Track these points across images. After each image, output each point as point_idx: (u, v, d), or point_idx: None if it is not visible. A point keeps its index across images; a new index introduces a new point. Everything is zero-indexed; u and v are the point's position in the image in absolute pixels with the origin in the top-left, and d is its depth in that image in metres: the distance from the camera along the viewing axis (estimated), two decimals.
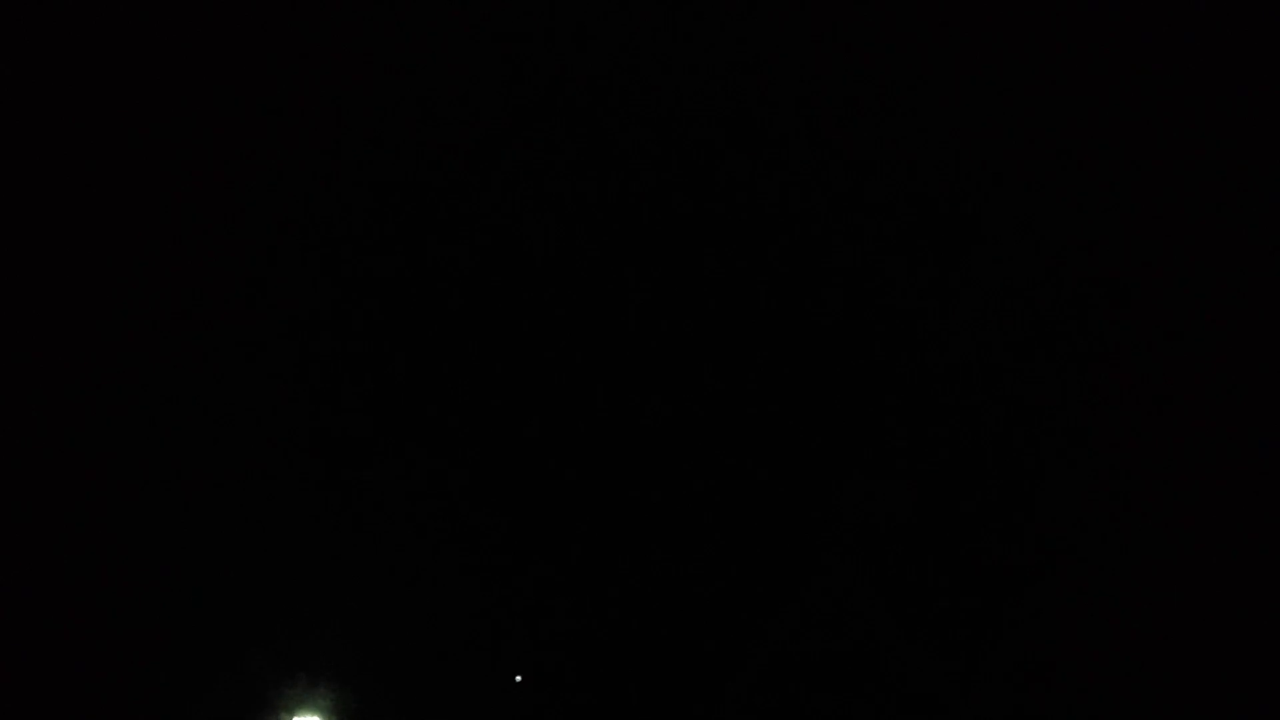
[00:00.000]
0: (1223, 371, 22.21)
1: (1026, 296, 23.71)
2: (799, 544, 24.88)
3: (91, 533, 23.38)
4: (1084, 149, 23.18)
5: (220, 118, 23.84)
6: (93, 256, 23.76)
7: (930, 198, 24.15)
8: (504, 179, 24.41)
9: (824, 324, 24.40)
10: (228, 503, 23.76)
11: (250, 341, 24.29)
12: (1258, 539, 21.35)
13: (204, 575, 23.49)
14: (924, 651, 22.12)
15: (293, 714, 22.17)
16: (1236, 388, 22.05)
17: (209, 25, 23.62)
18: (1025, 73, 23.25)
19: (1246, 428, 21.93)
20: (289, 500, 23.99)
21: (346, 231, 24.43)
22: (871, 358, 24.39)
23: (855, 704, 21.91)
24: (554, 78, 24.10)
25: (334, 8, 23.72)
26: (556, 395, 24.63)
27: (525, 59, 24.06)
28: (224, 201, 23.88)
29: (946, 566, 23.60)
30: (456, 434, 24.60)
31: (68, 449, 23.48)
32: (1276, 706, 20.51)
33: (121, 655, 22.90)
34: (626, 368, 24.67)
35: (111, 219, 23.87)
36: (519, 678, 24.12)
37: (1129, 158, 22.79)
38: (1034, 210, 23.47)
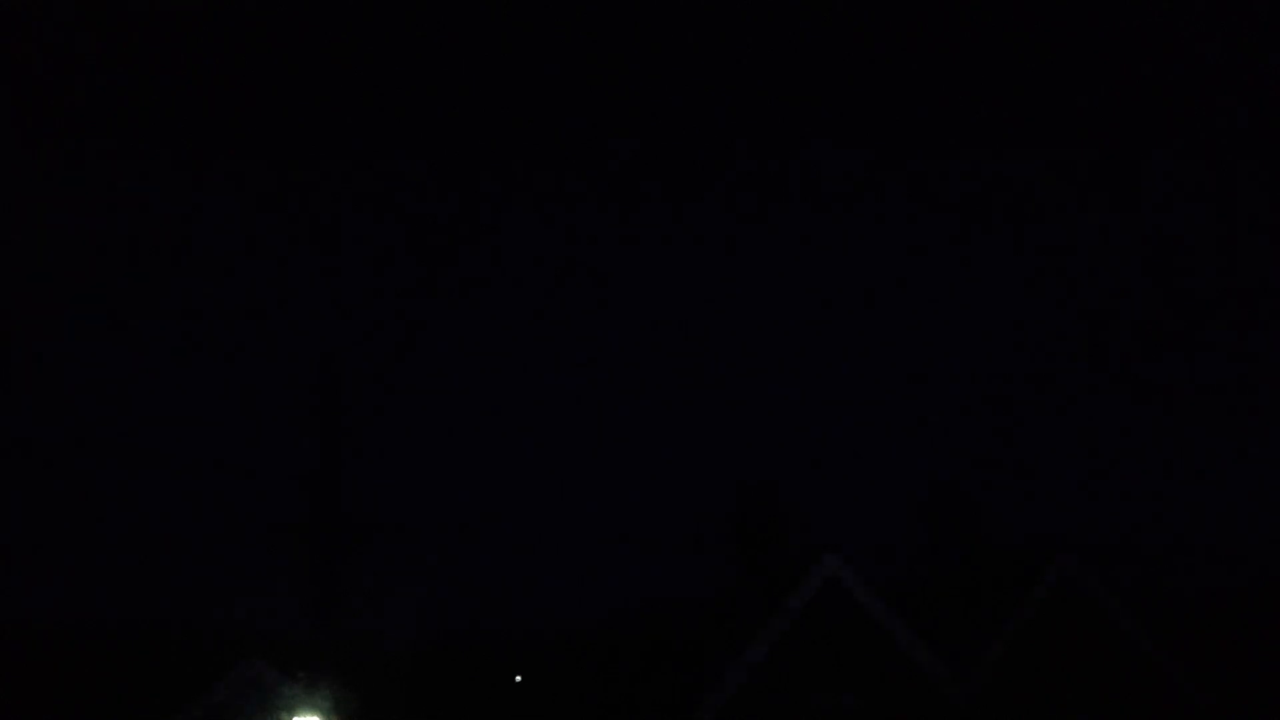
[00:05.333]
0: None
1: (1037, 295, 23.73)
2: (797, 543, 24.93)
3: (90, 532, 23.32)
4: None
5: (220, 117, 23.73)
6: (92, 255, 23.65)
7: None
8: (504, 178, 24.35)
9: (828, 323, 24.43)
10: (227, 502, 23.72)
11: (249, 338, 24.22)
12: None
13: (204, 574, 23.45)
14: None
15: (293, 714, 22.10)
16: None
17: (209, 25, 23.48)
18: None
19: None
20: (289, 499, 23.96)
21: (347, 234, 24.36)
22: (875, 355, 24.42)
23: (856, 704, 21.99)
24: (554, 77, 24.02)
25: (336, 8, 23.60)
26: (549, 393, 24.63)
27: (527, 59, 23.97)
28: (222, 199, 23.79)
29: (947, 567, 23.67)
30: (455, 432, 24.58)
31: (66, 447, 23.42)
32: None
33: (121, 654, 22.85)
34: (625, 367, 24.66)
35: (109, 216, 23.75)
36: (519, 678, 24.17)
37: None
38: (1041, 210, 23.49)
